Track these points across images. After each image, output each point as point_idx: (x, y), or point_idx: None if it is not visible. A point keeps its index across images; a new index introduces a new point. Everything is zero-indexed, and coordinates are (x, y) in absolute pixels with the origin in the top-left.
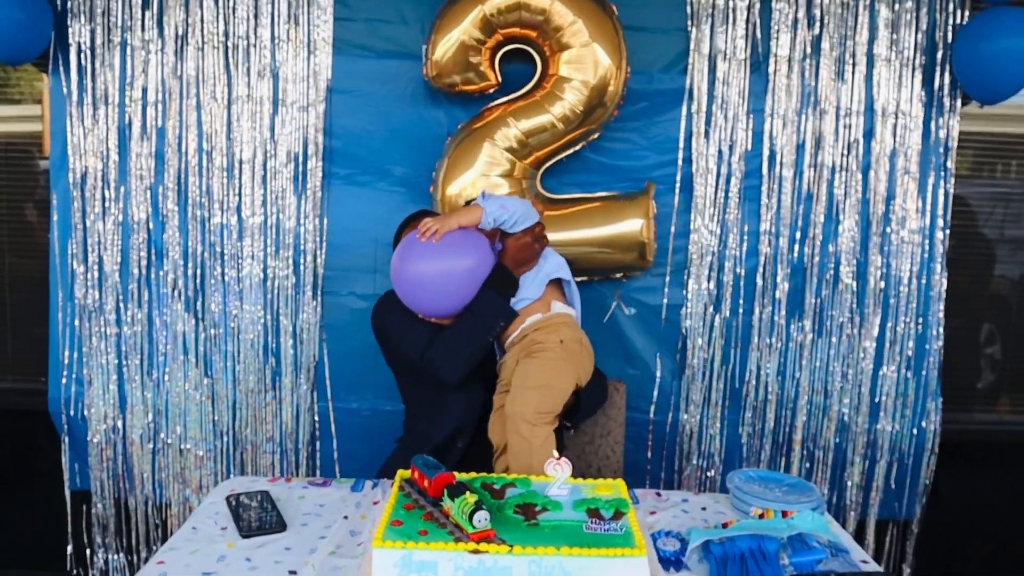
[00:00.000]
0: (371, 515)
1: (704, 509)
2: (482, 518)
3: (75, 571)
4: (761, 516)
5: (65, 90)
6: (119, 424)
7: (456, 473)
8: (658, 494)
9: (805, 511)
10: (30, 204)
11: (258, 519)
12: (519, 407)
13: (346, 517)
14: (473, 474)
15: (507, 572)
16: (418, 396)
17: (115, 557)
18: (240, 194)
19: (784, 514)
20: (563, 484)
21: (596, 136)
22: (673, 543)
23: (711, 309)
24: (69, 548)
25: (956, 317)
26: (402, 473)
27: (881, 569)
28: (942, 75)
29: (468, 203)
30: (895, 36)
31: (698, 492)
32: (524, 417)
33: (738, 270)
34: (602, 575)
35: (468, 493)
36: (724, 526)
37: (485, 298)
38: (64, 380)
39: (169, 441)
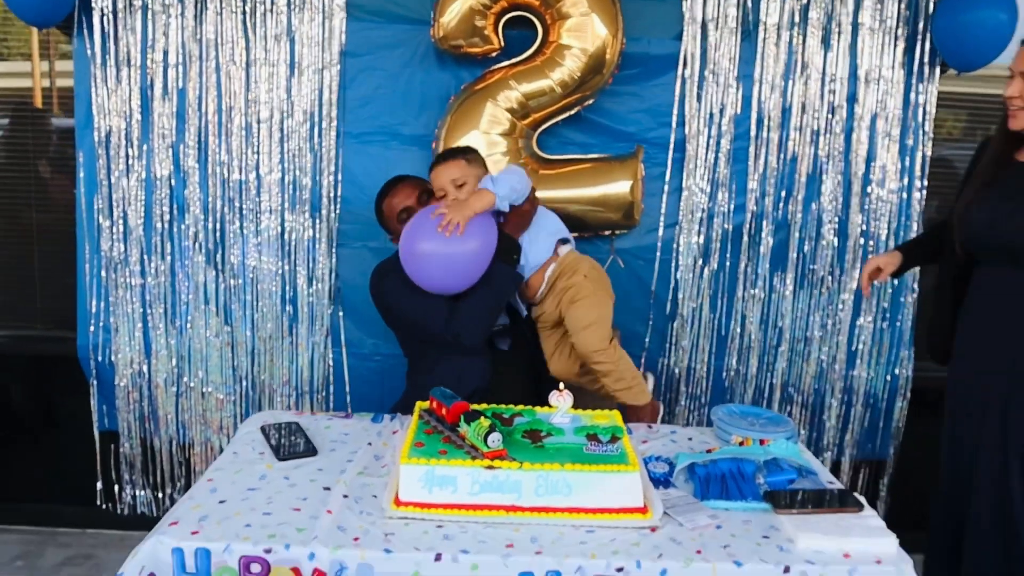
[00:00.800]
0: (392, 442)
1: (691, 439)
2: (496, 439)
3: (104, 505)
4: (741, 444)
5: (89, 52)
6: (144, 369)
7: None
8: (649, 426)
9: (780, 440)
10: (43, 160)
11: (292, 445)
12: (587, 347)
13: (370, 444)
14: (484, 406)
15: (518, 485)
16: (425, 364)
17: (142, 493)
18: (258, 152)
19: (761, 442)
20: (565, 413)
21: (591, 101)
22: (662, 466)
23: (700, 262)
24: (99, 484)
25: (935, 275)
26: (420, 404)
27: (844, 487)
28: (922, 44)
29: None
30: (879, 6)
31: (685, 426)
32: (595, 349)
33: (726, 226)
34: (600, 488)
35: (483, 418)
36: (708, 452)
37: (500, 271)
38: (92, 328)
39: (192, 385)
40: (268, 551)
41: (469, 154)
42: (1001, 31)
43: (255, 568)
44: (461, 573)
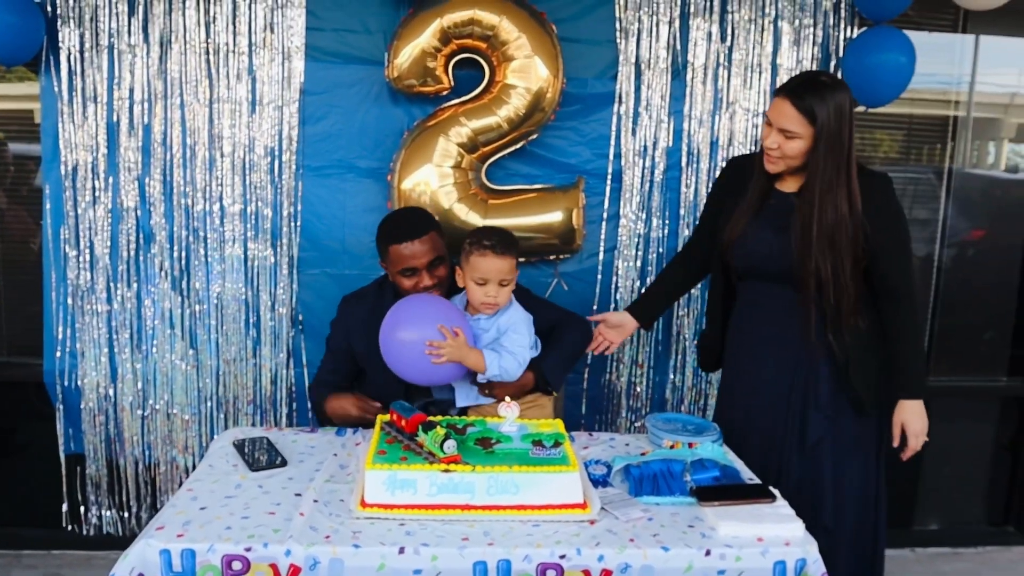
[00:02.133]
0: (355, 453)
1: (627, 445)
2: (451, 445)
3: (70, 527)
4: (672, 447)
5: (56, 89)
6: (111, 392)
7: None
8: (590, 434)
9: (706, 443)
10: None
11: (263, 457)
12: None
13: (335, 455)
14: (439, 417)
15: (471, 487)
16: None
17: (108, 513)
18: (222, 184)
19: (690, 445)
20: (512, 422)
21: (535, 136)
22: (601, 468)
23: (638, 283)
24: (64, 506)
25: None
26: (381, 417)
27: (760, 483)
28: None
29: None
30: (795, 48)
31: (623, 433)
32: None
33: (661, 250)
34: (545, 487)
35: (439, 427)
36: (642, 455)
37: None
38: (58, 354)
39: (157, 407)
40: (248, 550)
41: (517, 252)
42: (902, 72)
43: (236, 566)
44: (422, 564)
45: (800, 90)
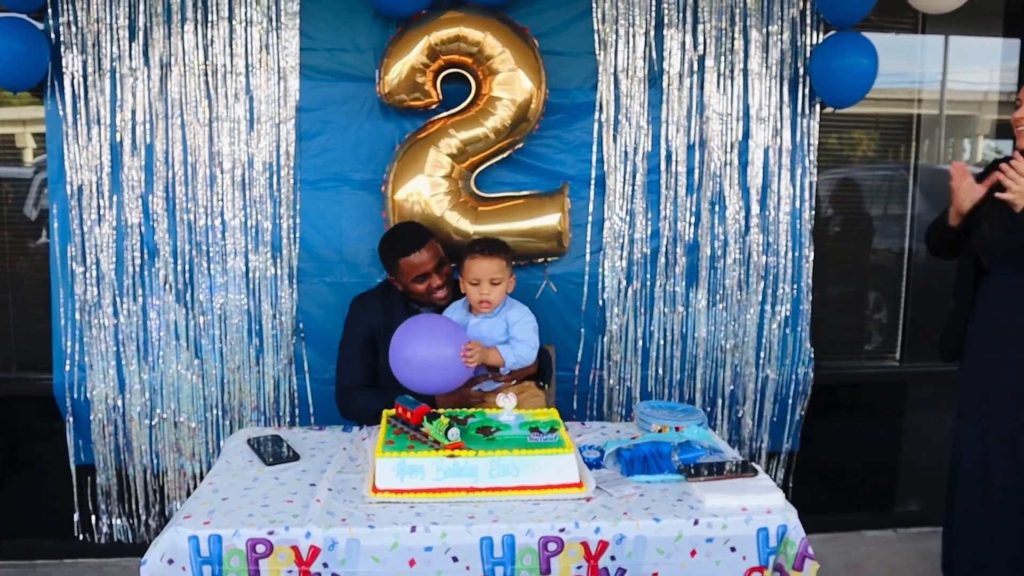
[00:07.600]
0: (363, 447)
1: (618, 432)
2: (455, 432)
3: (82, 536)
4: (660, 431)
5: (61, 113)
6: (119, 403)
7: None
8: (582, 423)
9: (692, 426)
10: None
11: (277, 452)
12: None
13: (344, 448)
14: (441, 410)
15: (475, 470)
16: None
17: (118, 522)
18: (223, 200)
19: (677, 429)
20: (510, 412)
21: (520, 145)
22: (594, 452)
23: (624, 282)
24: (76, 516)
25: (838, 285)
26: (386, 412)
27: (743, 460)
28: (803, 86)
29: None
30: (764, 54)
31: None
32: None
33: (644, 250)
34: (543, 468)
35: (442, 417)
36: (632, 439)
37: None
38: (67, 367)
39: (165, 416)
40: (271, 533)
41: (508, 252)
42: (865, 74)
43: (260, 548)
44: (433, 541)
45: None
